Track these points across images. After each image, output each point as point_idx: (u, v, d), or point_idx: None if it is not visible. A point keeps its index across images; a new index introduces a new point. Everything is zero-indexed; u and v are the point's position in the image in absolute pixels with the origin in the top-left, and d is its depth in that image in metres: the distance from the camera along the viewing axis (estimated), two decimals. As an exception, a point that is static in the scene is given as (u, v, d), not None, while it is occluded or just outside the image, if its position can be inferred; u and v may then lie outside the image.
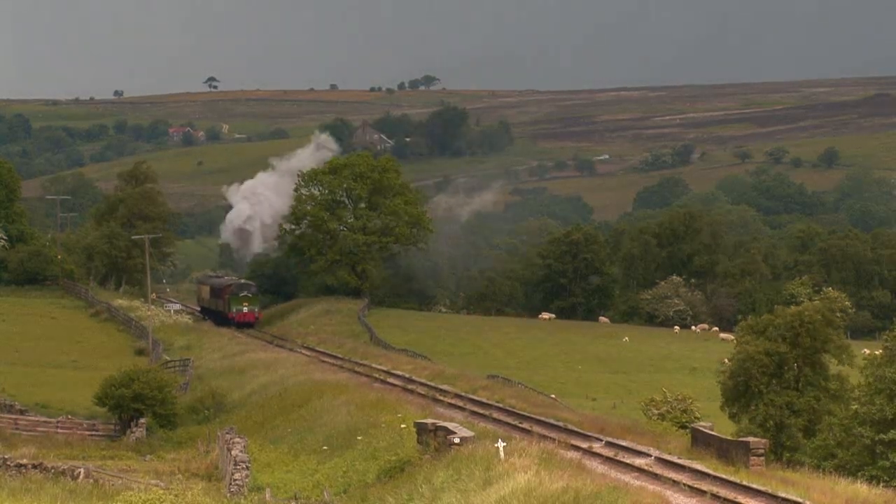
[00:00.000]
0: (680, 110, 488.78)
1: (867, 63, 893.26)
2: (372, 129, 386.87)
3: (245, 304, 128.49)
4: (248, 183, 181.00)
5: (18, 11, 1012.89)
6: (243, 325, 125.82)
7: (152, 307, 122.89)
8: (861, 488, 46.91)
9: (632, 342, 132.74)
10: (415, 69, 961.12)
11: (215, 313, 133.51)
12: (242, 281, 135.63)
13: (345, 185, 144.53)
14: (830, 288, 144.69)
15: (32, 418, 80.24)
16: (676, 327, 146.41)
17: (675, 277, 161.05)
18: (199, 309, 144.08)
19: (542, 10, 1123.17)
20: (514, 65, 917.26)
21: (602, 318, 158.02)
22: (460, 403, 70.01)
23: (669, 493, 44.07)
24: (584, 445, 54.91)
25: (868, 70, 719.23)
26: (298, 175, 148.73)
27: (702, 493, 44.27)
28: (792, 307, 79.41)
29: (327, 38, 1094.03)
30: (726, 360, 77.25)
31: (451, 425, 52.16)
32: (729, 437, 54.38)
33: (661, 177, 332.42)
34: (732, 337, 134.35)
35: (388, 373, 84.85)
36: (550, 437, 55.70)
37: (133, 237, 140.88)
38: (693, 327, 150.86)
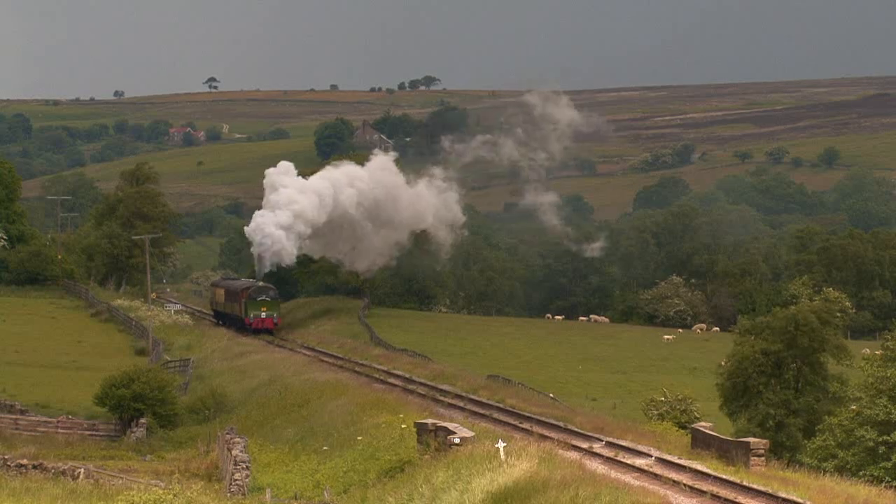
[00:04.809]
0: (680, 110, 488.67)
1: (867, 63, 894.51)
2: (372, 128, 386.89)
3: (263, 309, 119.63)
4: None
5: (19, 12, 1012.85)
6: (261, 331, 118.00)
7: (152, 307, 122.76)
8: (861, 488, 46.92)
9: (632, 342, 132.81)
10: (415, 69, 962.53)
11: (231, 318, 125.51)
12: (261, 284, 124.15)
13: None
14: (831, 288, 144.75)
15: (32, 418, 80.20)
16: (671, 336, 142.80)
17: (675, 277, 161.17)
18: (212, 313, 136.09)
19: (541, 10, 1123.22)
20: (514, 65, 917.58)
21: (601, 318, 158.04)
22: (460, 403, 70.05)
23: (670, 494, 44.06)
24: (585, 446, 54.93)
25: (868, 70, 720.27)
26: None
27: (702, 493, 44.26)
28: (790, 308, 79.50)
29: (327, 38, 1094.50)
30: (724, 363, 77.25)
31: (451, 425, 52.17)
32: (729, 438, 54.37)
33: (661, 177, 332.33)
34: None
35: (388, 373, 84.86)
36: (550, 438, 55.73)
37: (133, 237, 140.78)
38: (696, 328, 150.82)
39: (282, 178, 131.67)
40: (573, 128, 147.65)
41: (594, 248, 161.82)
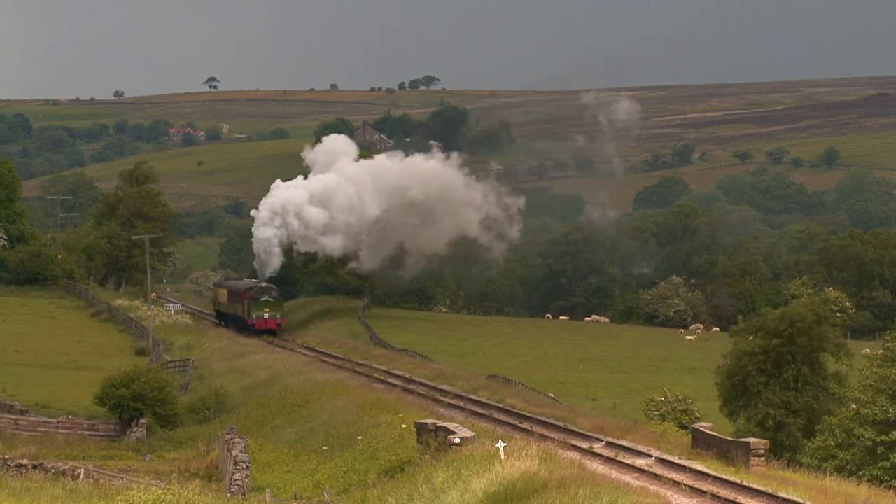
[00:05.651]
0: (680, 110, 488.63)
1: (867, 63, 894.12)
2: (372, 128, 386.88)
3: (266, 309, 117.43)
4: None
5: (19, 12, 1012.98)
6: (264, 332, 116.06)
7: (152, 307, 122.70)
8: (861, 488, 46.93)
9: (632, 342, 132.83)
10: (415, 69, 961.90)
11: (233, 319, 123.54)
12: (263, 284, 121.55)
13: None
14: (831, 288, 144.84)
15: (32, 418, 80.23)
16: (693, 336, 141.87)
17: (675, 277, 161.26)
18: (214, 314, 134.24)
19: (542, 9, 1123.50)
20: (514, 65, 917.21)
21: (602, 318, 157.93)
22: (460, 403, 70.03)
23: (670, 494, 44.04)
24: (585, 445, 54.92)
25: (868, 70, 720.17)
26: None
27: (702, 493, 44.25)
28: (781, 308, 79.57)
29: (327, 38, 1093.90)
30: (723, 362, 77.25)
31: (451, 425, 52.15)
32: (729, 438, 54.39)
33: (661, 177, 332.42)
34: (691, 338, 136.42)
35: (388, 373, 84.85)
36: (550, 438, 55.72)
37: (133, 237, 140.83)
38: (692, 328, 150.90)
39: (336, 156, 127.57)
40: (628, 126, 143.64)
41: (645, 266, 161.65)
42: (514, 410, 65.60)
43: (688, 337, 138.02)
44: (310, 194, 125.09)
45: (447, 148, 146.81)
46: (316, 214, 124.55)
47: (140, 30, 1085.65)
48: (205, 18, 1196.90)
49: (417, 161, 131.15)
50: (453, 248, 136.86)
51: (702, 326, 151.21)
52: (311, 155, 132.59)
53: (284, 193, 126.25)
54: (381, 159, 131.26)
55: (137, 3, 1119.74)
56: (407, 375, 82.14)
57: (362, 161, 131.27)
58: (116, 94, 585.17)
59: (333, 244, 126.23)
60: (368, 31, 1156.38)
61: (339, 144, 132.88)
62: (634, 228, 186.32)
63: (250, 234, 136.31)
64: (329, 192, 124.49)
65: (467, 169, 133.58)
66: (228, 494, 53.28)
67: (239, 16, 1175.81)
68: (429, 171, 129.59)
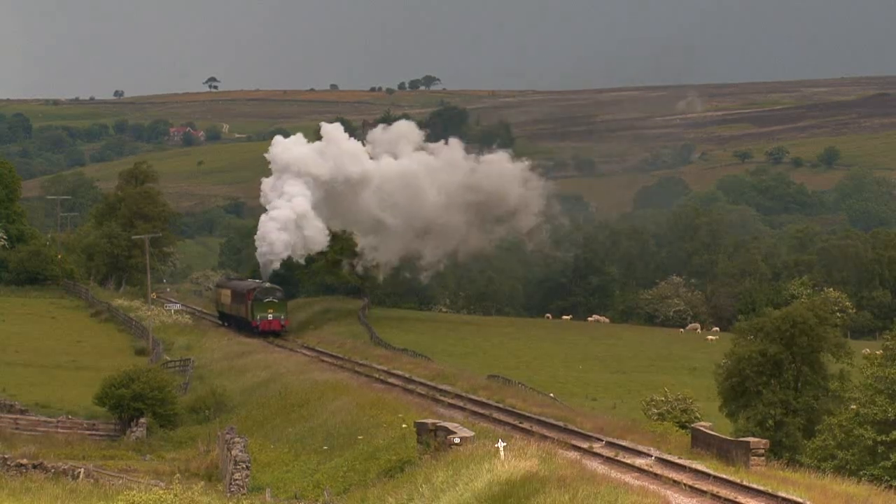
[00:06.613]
0: (680, 110, 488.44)
1: (867, 63, 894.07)
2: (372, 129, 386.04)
3: (270, 310, 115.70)
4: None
5: (19, 12, 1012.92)
6: (269, 333, 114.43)
7: (152, 307, 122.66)
8: (861, 488, 46.95)
9: (632, 342, 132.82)
10: (415, 69, 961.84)
11: (237, 320, 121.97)
12: (267, 285, 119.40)
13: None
14: (831, 288, 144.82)
15: (32, 418, 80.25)
16: (714, 336, 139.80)
17: (675, 277, 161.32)
18: (217, 314, 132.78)
19: (542, 9, 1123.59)
20: (514, 65, 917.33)
21: (603, 318, 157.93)
22: (460, 403, 70.06)
23: (670, 494, 44.07)
24: (585, 445, 54.97)
25: (868, 70, 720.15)
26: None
27: (702, 493, 44.28)
28: (783, 308, 79.59)
29: (327, 38, 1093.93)
30: (723, 362, 77.29)
31: (451, 425, 52.19)
32: (729, 438, 54.43)
33: (661, 177, 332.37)
34: (714, 338, 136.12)
35: (388, 373, 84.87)
36: (550, 437, 55.76)
37: (133, 237, 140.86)
38: (689, 327, 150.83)
39: (398, 141, 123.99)
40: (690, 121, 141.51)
41: (680, 286, 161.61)
42: (514, 410, 65.64)
43: (709, 337, 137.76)
44: (380, 177, 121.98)
45: None
46: (374, 200, 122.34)
47: (140, 30, 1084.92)
48: (205, 18, 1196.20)
49: (496, 161, 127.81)
50: (504, 251, 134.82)
51: (699, 326, 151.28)
52: (371, 134, 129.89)
53: (349, 165, 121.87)
54: (456, 152, 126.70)
55: (137, 3, 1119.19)
56: (407, 375, 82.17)
57: (430, 147, 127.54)
58: (116, 94, 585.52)
59: (397, 233, 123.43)
60: (368, 31, 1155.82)
61: (403, 129, 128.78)
62: (634, 229, 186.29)
63: (250, 234, 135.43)
64: (400, 180, 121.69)
65: (532, 170, 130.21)
66: (228, 494, 53.32)
67: (239, 16, 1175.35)
68: (508, 173, 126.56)
